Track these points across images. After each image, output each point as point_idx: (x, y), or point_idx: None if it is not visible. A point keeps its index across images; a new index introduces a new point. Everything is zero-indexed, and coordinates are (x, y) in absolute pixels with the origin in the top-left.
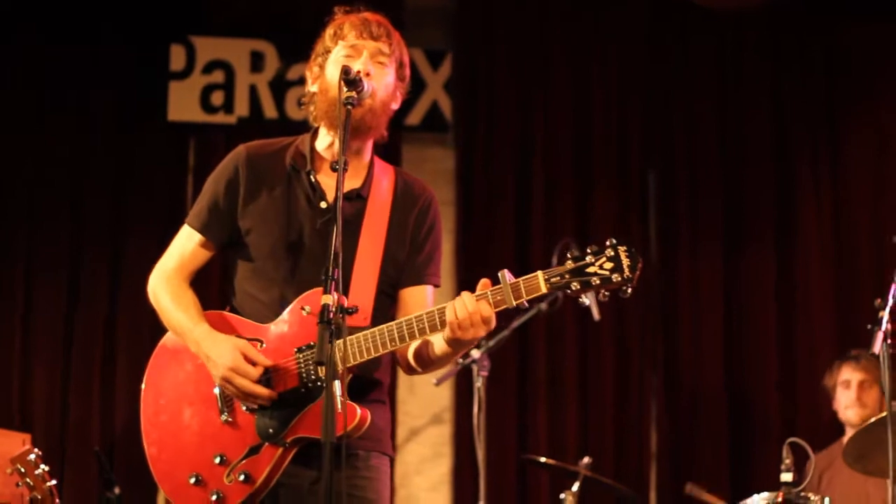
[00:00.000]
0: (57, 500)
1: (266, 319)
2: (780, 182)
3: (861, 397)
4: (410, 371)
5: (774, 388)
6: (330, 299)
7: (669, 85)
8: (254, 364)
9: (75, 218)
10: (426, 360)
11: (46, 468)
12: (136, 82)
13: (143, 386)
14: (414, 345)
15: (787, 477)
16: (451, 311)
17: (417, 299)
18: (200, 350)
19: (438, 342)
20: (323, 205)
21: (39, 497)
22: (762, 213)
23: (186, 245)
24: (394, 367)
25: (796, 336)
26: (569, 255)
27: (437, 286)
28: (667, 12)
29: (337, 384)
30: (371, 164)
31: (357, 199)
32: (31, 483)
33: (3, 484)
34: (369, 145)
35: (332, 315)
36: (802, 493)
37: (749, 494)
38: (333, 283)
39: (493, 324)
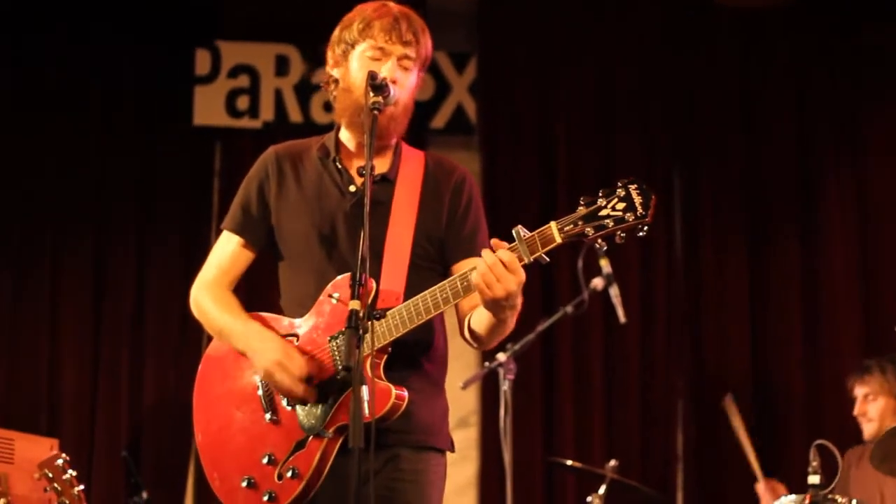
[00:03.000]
0: None
1: (306, 311)
2: (805, 178)
3: (867, 412)
4: (477, 346)
5: (801, 387)
6: (357, 305)
7: (693, 83)
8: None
9: (101, 222)
10: (478, 335)
11: (74, 473)
12: (162, 87)
13: (193, 396)
14: (467, 322)
15: (814, 479)
16: (475, 275)
17: None
18: (249, 345)
19: (480, 311)
20: (352, 188)
21: (67, 502)
22: (787, 210)
23: (225, 249)
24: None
25: (822, 334)
26: (581, 201)
27: None
28: (690, 11)
29: (365, 389)
30: (397, 149)
31: (384, 182)
32: (59, 488)
33: (31, 489)
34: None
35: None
36: (830, 496)
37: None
38: (361, 287)
39: (522, 274)
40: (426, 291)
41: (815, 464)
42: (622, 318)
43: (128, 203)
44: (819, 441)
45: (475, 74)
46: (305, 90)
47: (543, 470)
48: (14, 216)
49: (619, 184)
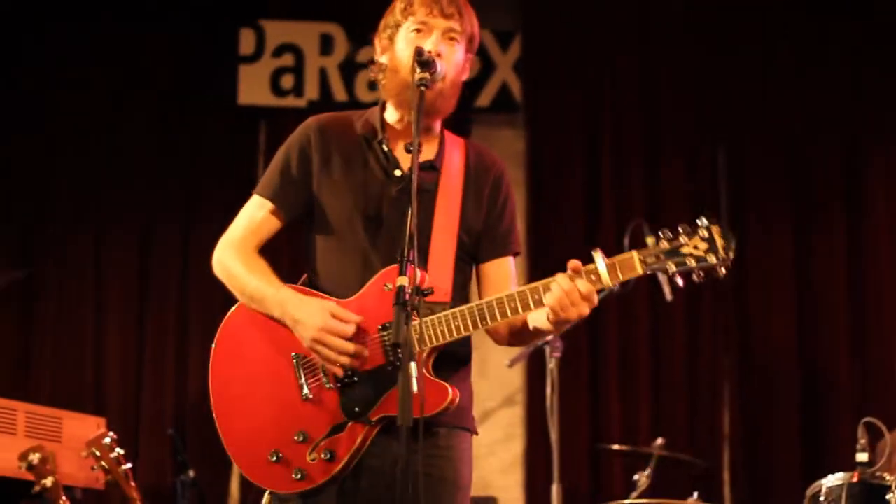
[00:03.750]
0: (132, 483)
1: (347, 293)
2: (850, 157)
3: None
4: (504, 344)
5: (846, 365)
6: (405, 281)
7: (739, 62)
8: (345, 322)
9: (147, 202)
10: (524, 338)
11: (122, 451)
12: (207, 66)
13: (212, 356)
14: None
15: (862, 457)
16: (550, 296)
17: (501, 272)
18: (286, 312)
19: (540, 320)
20: (397, 173)
21: (115, 480)
22: (833, 190)
23: (255, 214)
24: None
25: (868, 312)
26: (661, 235)
27: (517, 254)
28: None
29: (413, 366)
30: (442, 136)
31: (431, 170)
32: (107, 466)
33: (79, 468)
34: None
35: (407, 297)
36: (878, 474)
37: (824, 474)
38: (410, 264)
39: (595, 300)
40: (492, 298)
41: (863, 441)
42: (668, 296)
43: (173, 183)
44: (867, 419)
45: (519, 53)
46: (350, 69)
47: (589, 448)
48: (60, 197)
49: (700, 224)
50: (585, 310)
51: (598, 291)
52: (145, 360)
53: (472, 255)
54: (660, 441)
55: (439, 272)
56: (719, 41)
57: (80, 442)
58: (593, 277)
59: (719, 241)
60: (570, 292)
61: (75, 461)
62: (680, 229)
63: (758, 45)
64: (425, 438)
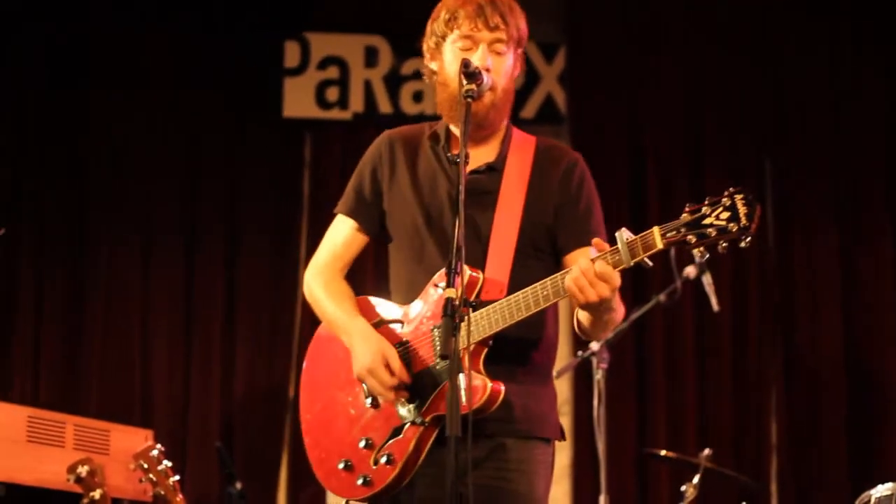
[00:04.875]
0: (180, 496)
1: (412, 297)
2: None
3: None
4: (589, 338)
5: (894, 372)
6: (453, 292)
7: (783, 71)
8: (391, 374)
9: (191, 214)
10: (583, 328)
11: (169, 464)
12: (251, 79)
13: (301, 376)
14: (576, 313)
15: None
16: (567, 279)
17: None
18: (350, 343)
19: (580, 310)
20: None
21: (163, 493)
22: (879, 196)
23: (338, 233)
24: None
25: None
26: (686, 208)
27: None
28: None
29: (462, 377)
30: (507, 136)
31: (490, 172)
32: (154, 479)
33: (127, 480)
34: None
35: (455, 308)
36: None
37: (873, 484)
38: (457, 275)
39: (616, 281)
40: (528, 288)
41: None
42: (715, 306)
43: (218, 196)
44: None
45: (564, 64)
46: (395, 81)
47: (637, 458)
48: (106, 210)
49: (726, 193)
50: (605, 291)
51: (638, 267)
52: (192, 372)
53: (547, 250)
54: (707, 452)
55: (497, 269)
56: (764, 52)
57: (127, 454)
58: (616, 256)
59: (742, 209)
60: (587, 271)
61: (123, 473)
62: (706, 201)
63: (803, 55)
64: (493, 451)
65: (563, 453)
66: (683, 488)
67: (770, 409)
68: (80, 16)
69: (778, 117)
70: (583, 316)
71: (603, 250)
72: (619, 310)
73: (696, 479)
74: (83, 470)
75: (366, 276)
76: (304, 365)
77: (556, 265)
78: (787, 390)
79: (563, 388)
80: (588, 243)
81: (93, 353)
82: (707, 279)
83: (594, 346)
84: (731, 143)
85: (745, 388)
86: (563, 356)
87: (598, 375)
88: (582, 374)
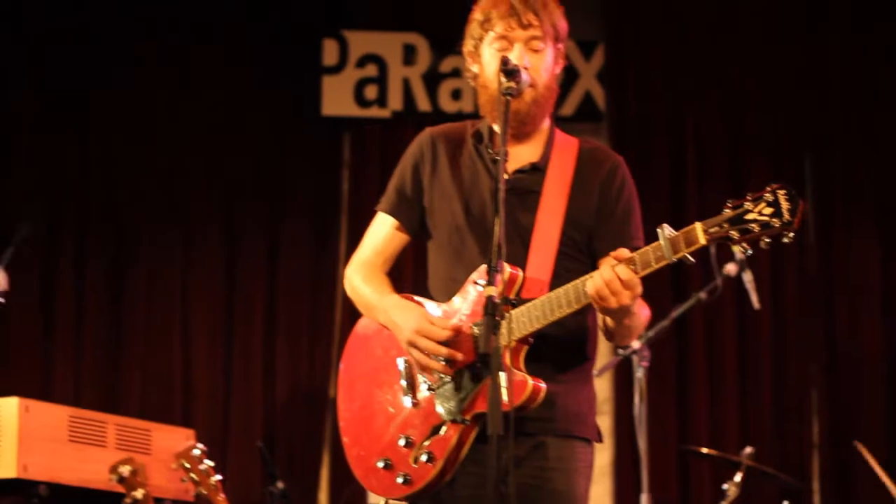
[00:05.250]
0: (222, 495)
1: (452, 295)
2: None
3: None
4: (613, 341)
5: None
6: (493, 291)
7: (823, 66)
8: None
9: (231, 213)
10: (609, 332)
11: (211, 463)
12: (290, 77)
13: (339, 374)
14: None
15: None
16: (589, 284)
17: None
18: (388, 318)
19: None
20: (504, 176)
21: (205, 492)
22: None
23: (379, 230)
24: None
25: None
26: (728, 203)
27: (638, 248)
28: None
29: (503, 375)
30: (550, 137)
31: (533, 171)
32: (197, 478)
33: (169, 479)
34: (546, 120)
35: (495, 306)
36: None
37: None
38: (497, 274)
39: (639, 288)
40: (569, 284)
41: None
42: (756, 304)
43: (258, 194)
44: None
45: (603, 62)
46: (433, 79)
47: (678, 457)
48: (146, 210)
49: (768, 188)
50: (626, 299)
51: (680, 263)
52: (233, 371)
53: (587, 251)
54: (748, 450)
55: (538, 268)
56: (804, 48)
57: (169, 454)
58: (659, 252)
59: (784, 204)
60: (611, 281)
61: (165, 473)
62: (748, 196)
63: (844, 53)
64: (534, 449)
65: (604, 452)
66: (725, 486)
67: (811, 408)
68: (127, 12)
69: (819, 117)
70: (603, 319)
71: (621, 257)
72: (641, 315)
73: (737, 478)
74: (125, 469)
75: (405, 279)
76: (342, 363)
77: (594, 267)
78: (828, 389)
79: (603, 386)
80: (625, 245)
81: (134, 353)
82: (748, 277)
83: (635, 344)
84: (772, 142)
85: (786, 387)
86: (603, 354)
87: (639, 373)
88: (623, 373)
